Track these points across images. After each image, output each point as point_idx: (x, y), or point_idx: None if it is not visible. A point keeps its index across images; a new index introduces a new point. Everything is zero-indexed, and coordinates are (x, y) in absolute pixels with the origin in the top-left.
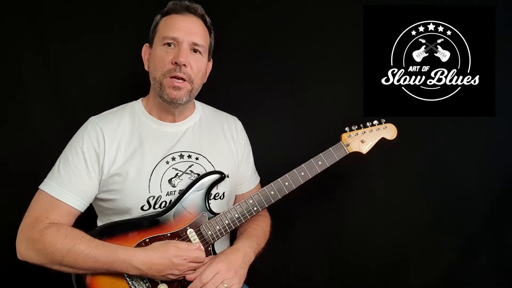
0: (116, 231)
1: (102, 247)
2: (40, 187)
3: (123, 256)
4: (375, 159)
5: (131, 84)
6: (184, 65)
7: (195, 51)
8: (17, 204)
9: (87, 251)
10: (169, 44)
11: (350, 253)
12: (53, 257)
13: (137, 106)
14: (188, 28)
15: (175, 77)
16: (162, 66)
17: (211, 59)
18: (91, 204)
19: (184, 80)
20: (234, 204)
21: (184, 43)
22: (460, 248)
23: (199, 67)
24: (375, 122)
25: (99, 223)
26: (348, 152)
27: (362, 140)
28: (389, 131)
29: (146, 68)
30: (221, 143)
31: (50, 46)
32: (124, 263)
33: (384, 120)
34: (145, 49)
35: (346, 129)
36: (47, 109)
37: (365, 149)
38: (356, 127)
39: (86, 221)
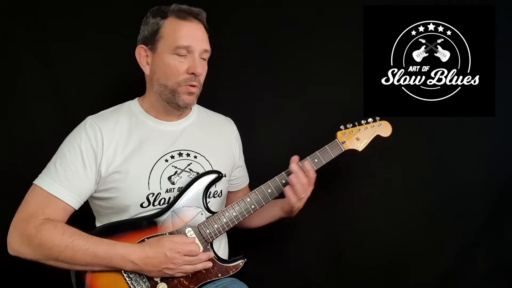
0: (115, 231)
1: (101, 242)
2: (35, 182)
3: (121, 251)
4: (375, 159)
5: (130, 84)
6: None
7: (203, 58)
8: (15, 203)
9: (86, 246)
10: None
11: (349, 253)
12: (50, 252)
13: (134, 105)
14: (198, 35)
15: (191, 85)
16: (176, 75)
17: None
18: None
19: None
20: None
21: (196, 52)
22: (460, 248)
23: (205, 72)
24: (370, 120)
25: (98, 224)
26: (343, 150)
27: (357, 137)
28: (384, 129)
29: (147, 72)
30: (218, 143)
31: (50, 46)
32: (123, 259)
33: (378, 118)
34: (141, 51)
35: (341, 127)
36: (46, 109)
37: (360, 146)
38: (351, 125)
39: (85, 222)
